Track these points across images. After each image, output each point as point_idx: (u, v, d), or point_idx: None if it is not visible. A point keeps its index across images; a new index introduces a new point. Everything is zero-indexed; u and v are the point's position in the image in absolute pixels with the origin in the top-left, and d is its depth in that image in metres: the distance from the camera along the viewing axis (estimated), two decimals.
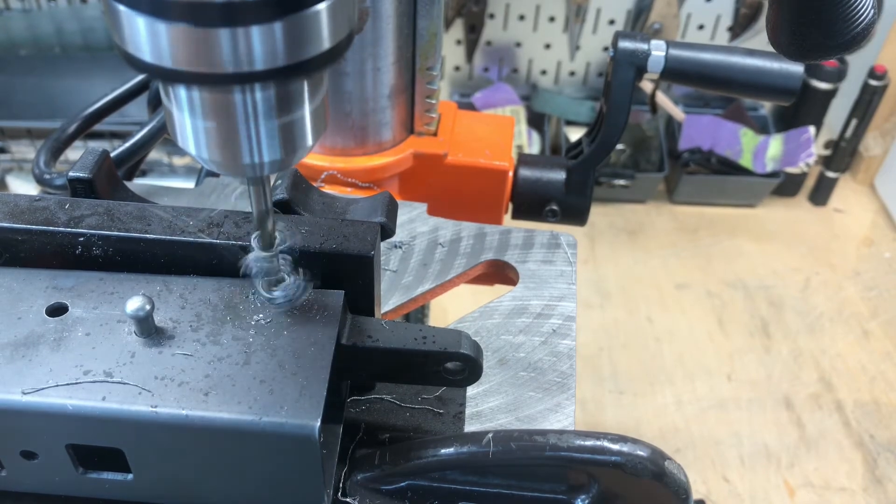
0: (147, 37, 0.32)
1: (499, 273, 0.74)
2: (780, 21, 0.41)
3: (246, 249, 0.48)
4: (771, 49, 0.50)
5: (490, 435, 0.47)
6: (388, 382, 0.56)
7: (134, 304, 0.44)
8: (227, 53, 0.32)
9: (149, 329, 0.45)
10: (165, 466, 0.45)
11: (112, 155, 0.63)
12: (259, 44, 0.32)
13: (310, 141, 0.39)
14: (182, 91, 0.36)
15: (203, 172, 0.86)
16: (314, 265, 0.50)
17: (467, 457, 0.47)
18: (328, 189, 0.83)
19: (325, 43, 0.34)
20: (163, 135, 0.76)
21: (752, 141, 2.24)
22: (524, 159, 0.89)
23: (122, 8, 0.32)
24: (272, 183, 0.56)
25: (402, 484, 0.50)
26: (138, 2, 0.31)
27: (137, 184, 0.75)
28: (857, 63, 2.20)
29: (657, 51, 0.77)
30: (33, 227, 0.49)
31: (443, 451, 0.48)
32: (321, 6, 0.33)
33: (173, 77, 0.33)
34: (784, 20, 0.41)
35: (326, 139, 0.86)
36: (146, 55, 0.33)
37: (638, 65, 0.78)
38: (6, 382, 0.43)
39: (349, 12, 0.36)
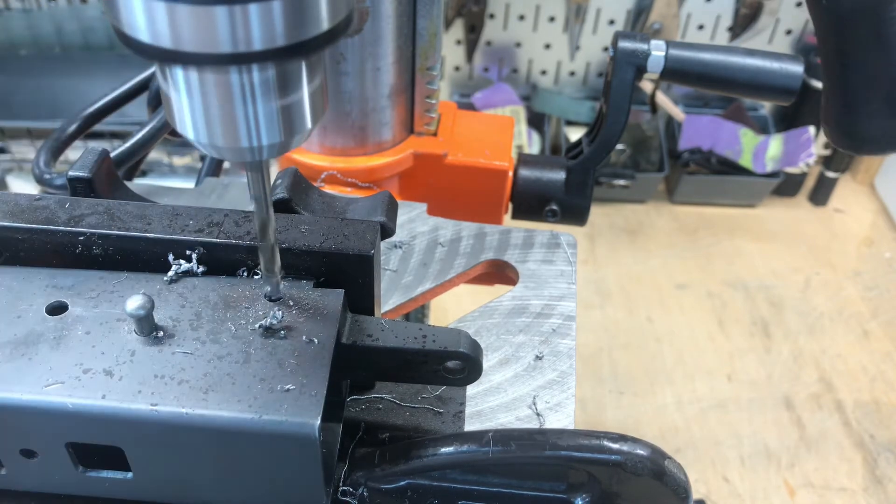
0: (144, 16, 0.32)
1: (499, 273, 0.74)
2: (832, 109, 0.36)
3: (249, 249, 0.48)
4: (771, 49, 0.49)
5: (490, 434, 0.47)
6: (387, 382, 0.56)
7: (134, 302, 0.44)
8: (224, 33, 0.32)
9: (149, 328, 0.45)
10: (165, 465, 0.45)
11: (112, 155, 0.63)
12: (257, 23, 0.32)
13: (309, 124, 0.39)
14: (179, 73, 0.35)
15: (203, 172, 0.86)
16: (314, 264, 0.50)
17: (467, 456, 0.47)
18: (328, 189, 0.83)
19: (324, 23, 0.34)
20: (163, 135, 0.76)
21: (752, 141, 2.24)
22: (524, 159, 0.89)
23: None
24: (272, 182, 0.56)
25: (402, 483, 0.50)
26: None
27: (137, 184, 0.75)
28: None
29: (657, 51, 0.77)
30: (33, 225, 0.49)
31: (443, 450, 0.48)
32: None
33: (170, 58, 0.33)
34: (837, 106, 0.35)
35: (326, 139, 0.86)
36: (143, 35, 0.33)
37: (638, 65, 0.78)
38: (6, 381, 0.43)
39: None
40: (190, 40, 0.32)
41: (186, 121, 0.37)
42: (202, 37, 0.32)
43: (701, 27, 2.23)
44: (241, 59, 0.33)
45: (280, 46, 0.33)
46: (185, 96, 0.36)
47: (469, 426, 0.58)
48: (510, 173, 0.88)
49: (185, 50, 0.32)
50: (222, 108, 0.36)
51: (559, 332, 0.66)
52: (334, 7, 0.34)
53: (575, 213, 0.89)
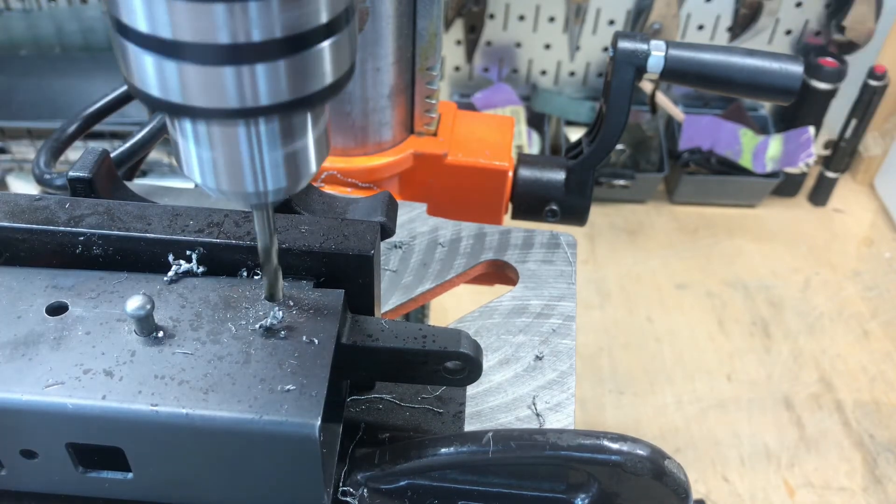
0: (154, 73, 0.33)
1: (499, 273, 0.74)
2: None
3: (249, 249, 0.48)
4: (771, 49, 0.50)
5: (490, 434, 0.47)
6: (387, 382, 0.56)
7: (134, 303, 0.44)
8: (232, 90, 0.33)
9: (149, 328, 0.45)
10: (165, 465, 0.45)
11: (112, 155, 0.63)
12: (264, 81, 0.33)
13: (313, 168, 0.40)
14: (188, 124, 0.37)
15: None
16: (314, 264, 0.50)
17: (467, 456, 0.47)
18: (328, 189, 0.83)
19: (328, 78, 0.35)
20: (163, 135, 0.76)
21: (751, 141, 2.24)
22: (524, 159, 0.89)
23: (130, 45, 0.33)
24: None
25: (402, 483, 0.50)
26: (147, 40, 0.32)
27: (137, 184, 0.75)
28: (857, 63, 2.19)
29: (657, 51, 0.77)
30: (34, 226, 0.49)
31: (442, 450, 0.48)
32: (324, 45, 0.34)
33: (180, 112, 0.34)
34: None
35: None
36: (153, 90, 0.34)
37: (638, 65, 0.78)
38: (6, 381, 0.43)
39: (351, 47, 0.36)
40: (199, 96, 0.33)
41: (194, 166, 0.38)
42: (211, 93, 0.33)
43: (701, 27, 2.23)
44: (248, 114, 0.34)
45: (286, 101, 0.34)
46: (192, 144, 0.37)
47: (469, 426, 0.58)
48: (510, 173, 0.88)
49: (195, 105, 0.33)
50: (229, 157, 0.37)
51: (559, 332, 0.66)
52: (338, 62, 0.35)
53: (575, 214, 0.89)
